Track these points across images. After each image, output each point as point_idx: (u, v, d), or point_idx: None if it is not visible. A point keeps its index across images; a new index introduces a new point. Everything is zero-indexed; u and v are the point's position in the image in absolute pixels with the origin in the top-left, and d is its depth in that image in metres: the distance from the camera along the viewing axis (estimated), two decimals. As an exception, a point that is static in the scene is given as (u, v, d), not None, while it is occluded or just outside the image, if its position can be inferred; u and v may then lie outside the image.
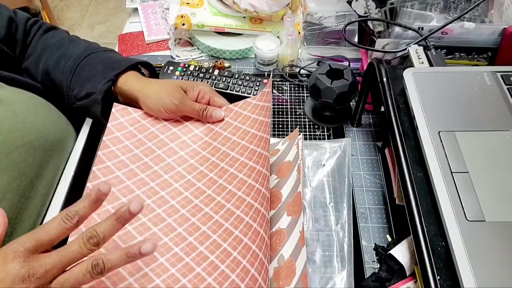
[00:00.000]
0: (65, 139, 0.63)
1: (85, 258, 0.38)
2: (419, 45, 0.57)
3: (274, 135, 0.66)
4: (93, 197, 0.38)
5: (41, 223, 0.55)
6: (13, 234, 0.50)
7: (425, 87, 0.49)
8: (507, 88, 0.48)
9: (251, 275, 0.42)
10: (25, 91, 0.60)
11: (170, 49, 0.82)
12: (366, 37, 0.69)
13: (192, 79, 0.72)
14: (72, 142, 0.65)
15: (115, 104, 0.61)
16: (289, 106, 0.70)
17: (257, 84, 0.71)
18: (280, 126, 0.67)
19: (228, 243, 0.46)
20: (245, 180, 0.51)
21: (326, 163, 0.60)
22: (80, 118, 0.68)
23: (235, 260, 0.44)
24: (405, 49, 0.59)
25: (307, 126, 0.67)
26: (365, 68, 0.61)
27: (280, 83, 0.75)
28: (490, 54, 0.61)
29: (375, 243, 0.53)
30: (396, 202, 0.54)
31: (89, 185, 0.52)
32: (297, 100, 0.71)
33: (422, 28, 0.60)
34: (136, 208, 0.38)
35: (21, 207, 0.52)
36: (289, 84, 0.74)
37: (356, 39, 0.73)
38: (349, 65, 0.73)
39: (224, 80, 0.71)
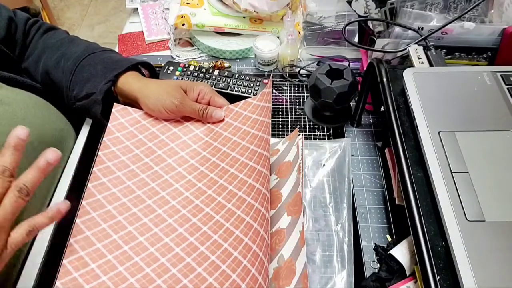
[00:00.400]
0: (65, 139, 0.63)
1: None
2: (419, 45, 0.57)
3: (274, 135, 0.66)
4: (13, 145, 0.40)
5: None
6: None
7: (425, 87, 0.49)
8: (507, 88, 0.48)
9: (251, 275, 0.43)
10: (25, 91, 0.60)
11: (170, 49, 0.82)
12: (366, 37, 0.69)
13: (192, 79, 0.72)
14: (71, 142, 0.65)
15: (115, 104, 0.61)
16: (289, 106, 0.70)
17: (257, 84, 0.71)
18: (280, 126, 0.67)
19: (228, 243, 0.46)
20: (245, 180, 0.51)
21: (326, 163, 0.60)
22: (80, 118, 0.68)
23: (236, 260, 0.44)
24: (405, 49, 0.59)
25: (307, 126, 0.67)
26: (365, 68, 0.61)
27: (280, 83, 0.75)
28: (490, 54, 0.61)
29: (375, 243, 0.53)
30: (396, 202, 0.54)
31: (89, 185, 0.52)
32: (297, 100, 0.71)
33: (422, 28, 0.60)
34: (52, 157, 0.42)
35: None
36: (289, 84, 0.74)
37: (356, 39, 0.74)
38: (349, 65, 0.73)
39: (224, 80, 0.71)
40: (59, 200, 0.58)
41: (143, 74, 0.65)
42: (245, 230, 0.46)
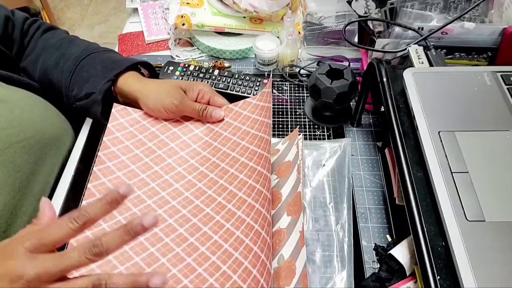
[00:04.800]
0: (62, 137, 0.63)
1: (84, 271, 0.35)
2: (419, 45, 0.57)
3: (274, 135, 0.66)
4: (108, 199, 0.35)
5: None
6: (8, 230, 0.50)
7: (425, 87, 0.49)
8: (507, 88, 0.48)
9: (253, 276, 0.42)
10: (23, 89, 0.60)
11: (170, 49, 0.82)
12: (366, 37, 0.69)
13: (192, 79, 0.72)
14: (69, 140, 0.65)
15: (115, 104, 0.61)
16: (289, 106, 0.70)
17: (257, 84, 0.71)
18: (280, 126, 0.67)
19: (229, 244, 0.46)
20: (245, 181, 0.51)
21: (326, 163, 0.60)
22: (79, 118, 0.68)
23: (237, 261, 0.44)
24: (405, 49, 0.59)
25: (307, 126, 0.67)
26: (365, 68, 0.61)
27: (280, 83, 0.75)
28: (490, 54, 0.61)
29: (375, 243, 0.53)
30: (396, 202, 0.54)
31: (90, 185, 0.52)
32: (297, 100, 0.71)
33: (422, 28, 0.60)
34: (149, 222, 0.34)
35: (16, 204, 0.52)
36: (289, 84, 0.74)
37: (356, 39, 0.73)
38: (349, 65, 0.73)
39: (224, 80, 0.71)
40: (58, 200, 0.58)
41: (142, 74, 0.65)
42: (246, 231, 0.46)
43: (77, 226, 0.34)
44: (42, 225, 0.37)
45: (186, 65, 0.74)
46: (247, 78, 0.71)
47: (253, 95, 0.70)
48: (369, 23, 0.67)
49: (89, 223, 0.35)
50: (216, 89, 0.70)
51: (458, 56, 0.62)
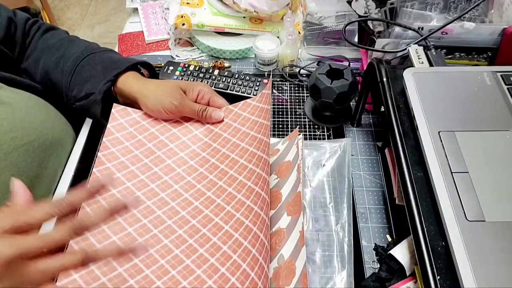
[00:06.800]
0: (64, 139, 0.63)
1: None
2: (419, 45, 0.57)
3: (274, 135, 0.66)
4: (90, 188, 0.38)
5: None
6: None
7: (425, 87, 0.49)
8: (507, 88, 0.48)
9: (251, 279, 0.42)
10: (24, 91, 0.60)
11: (170, 49, 0.82)
12: (366, 37, 0.69)
13: (192, 79, 0.72)
14: (71, 142, 0.65)
15: (114, 104, 0.60)
16: (289, 106, 0.70)
17: (257, 84, 0.71)
18: (280, 126, 0.67)
19: (228, 246, 0.46)
20: (244, 182, 0.51)
21: (326, 163, 0.60)
22: (80, 118, 0.68)
23: (235, 263, 0.44)
24: (405, 49, 0.59)
25: (307, 126, 0.67)
26: (365, 68, 0.61)
27: (280, 83, 0.75)
28: (490, 54, 0.61)
29: (375, 243, 0.53)
30: (396, 202, 0.54)
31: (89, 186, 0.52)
32: (297, 100, 0.71)
33: (422, 28, 0.60)
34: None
35: None
36: (289, 84, 0.74)
37: (356, 39, 0.73)
38: (349, 65, 0.73)
39: (224, 80, 0.71)
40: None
41: (142, 74, 0.65)
42: (245, 234, 0.46)
43: (56, 211, 0.35)
44: (17, 207, 0.37)
45: (186, 65, 0.74)
46: (247, 78, 0.71)
47: (253, 95, 0.70)
48: (369, 23, 0.67)
49: (69, 207, 0.37)
50: (216, 89, 0.70)
51: (458, 56, 0.62)
